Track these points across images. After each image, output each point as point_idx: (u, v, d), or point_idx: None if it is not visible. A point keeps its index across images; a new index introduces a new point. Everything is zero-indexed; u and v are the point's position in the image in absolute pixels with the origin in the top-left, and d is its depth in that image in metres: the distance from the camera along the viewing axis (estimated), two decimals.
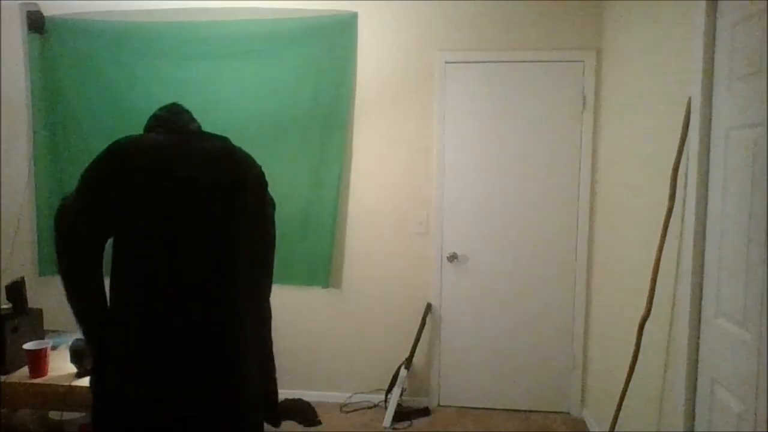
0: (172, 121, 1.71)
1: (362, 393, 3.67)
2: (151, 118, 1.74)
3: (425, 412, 3.53)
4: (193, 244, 1.59)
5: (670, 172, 2.20)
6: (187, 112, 1.77)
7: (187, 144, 1.64)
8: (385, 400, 3.49)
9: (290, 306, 3.69)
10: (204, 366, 1.59)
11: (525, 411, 3.59)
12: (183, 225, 1.58)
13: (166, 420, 1.55)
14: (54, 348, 2.54)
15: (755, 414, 1.63)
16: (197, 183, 1.60)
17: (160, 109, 1.76)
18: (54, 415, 2.83)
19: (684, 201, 2.12)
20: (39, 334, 2.52)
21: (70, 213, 1.55)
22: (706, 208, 2.00)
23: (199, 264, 1.59)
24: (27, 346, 2.29)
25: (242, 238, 1.71)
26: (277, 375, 1.83)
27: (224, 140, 1.75)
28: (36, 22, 3.63)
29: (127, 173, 1.54)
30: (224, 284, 1.63)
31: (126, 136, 1.63)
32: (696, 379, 2.03)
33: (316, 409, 3.47)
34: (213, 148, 1.68)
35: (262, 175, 1.83)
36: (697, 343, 2.02)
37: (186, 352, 1.57)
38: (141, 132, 1.74)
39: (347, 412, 3.55)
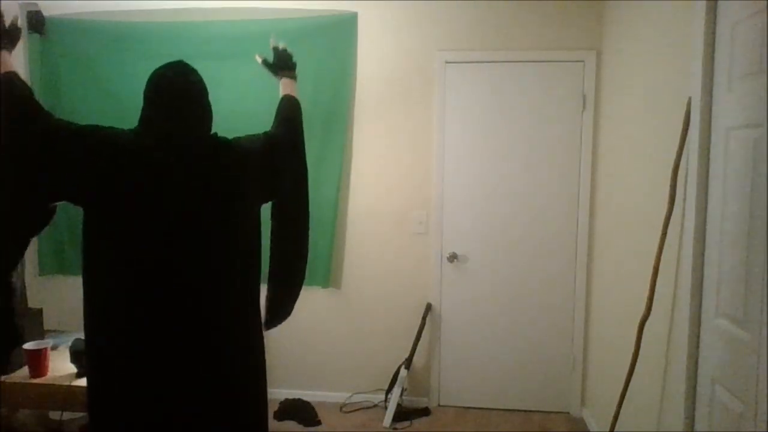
0: (169, 114, 1.65)
1: (362, 393, 3.67)
2: (151, 88, 1.68)
3: (425, 412, 3.53)
4: (184, 248, 1.57)
5: (670, 172, 2.20)
6: (191, 88, 1.70)
7: (171, 158, 1.60)
8: (385, 400, 3.49)
9: None
10: (199, 365, 1.58)
11: (525, 411, 3.59)
12: (169, 232, 1.56)
13: (164, 419, 1.55)
14: (54, 348, 2.54)
15: (755, 414, 1.63)
16: (177, 205, 1.58)
17: (163, 73, 1.68)
18: (54, 415, 2.83)
19: (684, 201, 2.12)
20: (39, 334, 2.52)
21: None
22: (706, 208, 2.00)
23: (191, 266, 1.58)
24: (27, 346, 2.29)
25: (240, 236, 1.70)
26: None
27: (214, 149, 1.70)
28: (36, 22, 3.63)
29: (102, 165, 1.52)
30: (217, 286, 1.62)
31: (118, 130, 1.62)
32: (696, 379, 2.02)
33: (316, 409, 3.51)
34: (197, 166, 1.64)
35: (261, 147, 1.84)
36: (697, 343, 2.02)
37: (181, 353, 1.56)
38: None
39: (347, 412, 3.55)
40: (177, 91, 1.68)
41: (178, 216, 1.57)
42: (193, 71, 1.74)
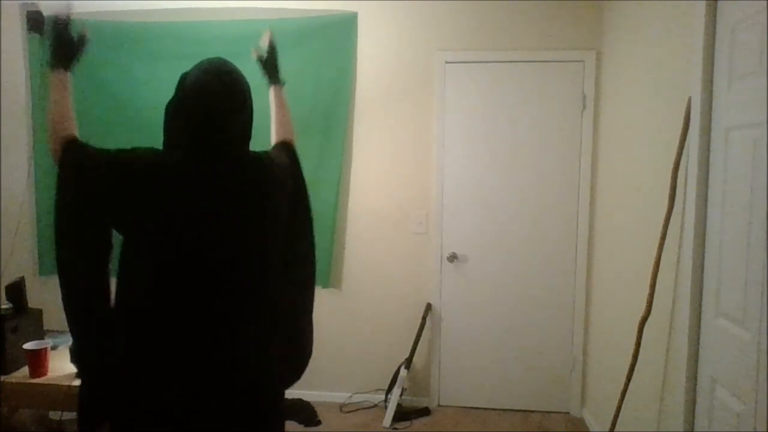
0: (208, 127, 1.50)
1: (362, 393, 3.67)
2: (186, 95, 1.50)
3: (425, 412, 3.53)
4: (213, 275, 1.53)
5: (670, 172, 2.20)
6: (232, 96, 1.52)
7: (212, 175, 1.50)
8: (385, 400, 3.49)
9: None
10: (231, 386, 1.57)
11: (525, 411, 3.59)
12: (202, 260, 1.51)
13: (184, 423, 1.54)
14: (54, 348, 2.54)
15: (755, 414, 1.63)
16: (216, 224, 1.52)
17: (201, 79, 1.48)
18: (54, 415, 2.83)
19: (684, 201, 2.12)
20: (39, 334, 2.52)
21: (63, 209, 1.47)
22: (706, 208, 2.00)
23: (229, 287, 1.54)
24: (27, 346, 2.29)
25: (272, 254, 1.66)
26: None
27: (254, 163, 1.62)
28: (36, 22, 3.63)
29: (139, 195, 1.45)
30: (253, 306, 1.60)
31: (153, 152, 1.50)
32: (696, 379, 2.03)
33: (316, 409, 3.51)
34: (238, 180, 1.55)
35: (295, 185, 1.76)
36: (697, 343, 2.02)
37: (213, 369, 1.55)
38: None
39: (347, 412, 3.55)
40: (217, 101, 1.49)
41: (216, 238, 1.52)
42: (232, 72, 1.54)
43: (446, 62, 3.50)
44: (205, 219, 1.50)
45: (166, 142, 1.58)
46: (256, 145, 1.70)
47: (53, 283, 4.06)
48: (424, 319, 3.55)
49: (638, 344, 2.37)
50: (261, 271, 1.61)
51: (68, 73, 1.56)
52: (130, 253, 1.51)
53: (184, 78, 1.55)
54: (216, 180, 1.51)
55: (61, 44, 1.56)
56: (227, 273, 1.54)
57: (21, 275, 2.64)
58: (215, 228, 1.52)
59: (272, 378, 1.70)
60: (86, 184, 1.47)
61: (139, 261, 1.50)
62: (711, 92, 1.98)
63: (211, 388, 1.54)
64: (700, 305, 2.02)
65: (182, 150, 1.52)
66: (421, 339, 3.55)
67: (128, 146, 1.55)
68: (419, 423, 3.41)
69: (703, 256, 2.01)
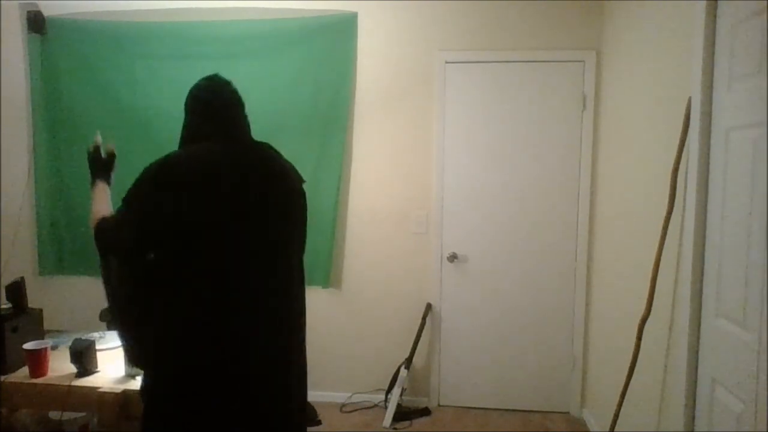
0: (227, 126, 1.69)
1: (362, 393, 3.67)
2: (203, 104, 1.69)
3: (425, 412, 3.53)
4: (260, 271, 1.58)
5: (670, 173, 2.20)
6: (238, 102, 1.78)
7: (244, 159, 1.63)
8: (385, 400, 3.49)
9: None
10: (276, 386, 1.61)
11: (525, 411, 3.59)
12: (251, 249, 1.57)
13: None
14: (54, 348, 2.54)
15: (755, 414, 1.63)
16: (260, 203, 1.60)
17: (209, 88, 1.72)
18: (54, 415, 2.83)
19: (684, 201, 2.12)
20: (39, 334, 2.52)
21: (114, 228, 1.57)
22: (706, 208, 2.00)
23: (269, 286, 1.60)
24: (27, 346, 2.29)
25: (297, 257, 1.74)
26: None
27: (272, 150, 1.74)
28: (36, 22, 3.63)
29: (188, 193, 1.50)
30: (290, 307, 1.66)
31: (181, 154, 1.60)
32: (696, 379, 2.03)
33: (316, 409, 3.51)
34: (270, 166, 1.67)
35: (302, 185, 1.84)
36: (697, 343, 2.02)
37: (262, 379, 1.58)
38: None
39: (347, 412, 3.55)
40: (229, 103, 1.76)
41: (261, 235, 1.58)
42: (225, 80, 1.81)
43: (446, 62, 3.50)
44: (251, 212, 1.57)
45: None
46: None
47: (53, 283, 4.09)
48: (424, 319, 3.55)
49: (638, 344, 2.37)
50: (291, 264, 1.68)
51: (107, 184, 1.82)
52: (180, 268, 1.54)
53: (194, 95, 1.73)
54: (245, 170, 1.60)
55: (97, 165, 1.84)
56: (271, 264, 1.61)
57: (21, 275, 2.63)
58: (260, 224, 1.59)
59: (304, 378, 1.76)
60: (127, 222, 1.56)
61: (191, 271, 1.53)
62: (711, 92, 1.98)
63: (254, 389, 1.57)
64: (700, 305, 2.02)
65: (204, 143, 1.62)
66: (421, 339, 3.55)
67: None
68: (419, 423, 3.41)
69: (703, 256, 2.01)
